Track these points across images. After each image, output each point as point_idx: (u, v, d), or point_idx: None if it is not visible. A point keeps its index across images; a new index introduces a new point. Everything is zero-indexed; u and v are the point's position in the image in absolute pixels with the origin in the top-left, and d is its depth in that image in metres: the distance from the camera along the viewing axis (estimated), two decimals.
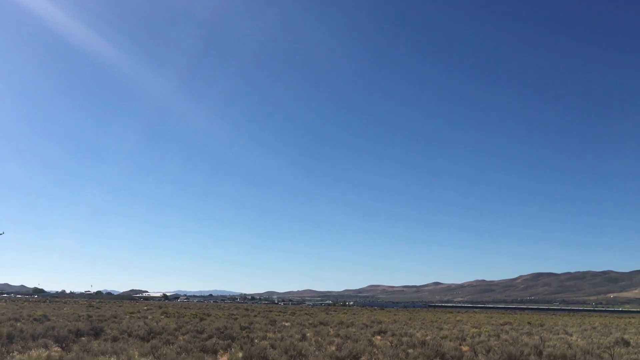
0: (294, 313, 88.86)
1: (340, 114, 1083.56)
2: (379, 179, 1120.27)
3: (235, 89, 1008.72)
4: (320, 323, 54.74)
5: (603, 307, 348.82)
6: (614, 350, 27.51)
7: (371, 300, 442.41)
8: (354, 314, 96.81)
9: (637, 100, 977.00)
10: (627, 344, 34.64)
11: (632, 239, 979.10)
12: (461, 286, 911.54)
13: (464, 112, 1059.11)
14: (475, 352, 27.00)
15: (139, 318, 53.76)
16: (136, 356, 22.22)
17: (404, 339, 34.77)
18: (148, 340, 28.93)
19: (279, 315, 75.76)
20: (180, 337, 32.19)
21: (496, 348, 27.67)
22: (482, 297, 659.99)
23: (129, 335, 32.19)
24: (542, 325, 63.01)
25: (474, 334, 41.81)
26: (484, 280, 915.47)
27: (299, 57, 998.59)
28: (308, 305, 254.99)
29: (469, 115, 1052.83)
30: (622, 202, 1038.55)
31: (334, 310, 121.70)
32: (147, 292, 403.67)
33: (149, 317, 57.16)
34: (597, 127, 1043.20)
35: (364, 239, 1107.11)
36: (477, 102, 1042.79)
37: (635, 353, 26.77)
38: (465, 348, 29.66)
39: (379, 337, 38.39)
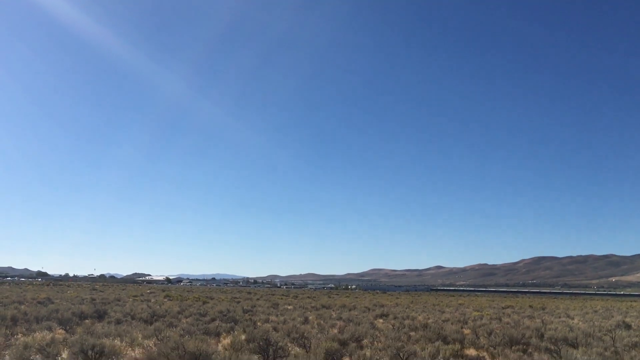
0: (297, 296, 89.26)
1: (343, 100, 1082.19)
2: (381, 163, 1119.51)
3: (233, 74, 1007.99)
4: (323, 306, 54.97)
5: (605, 291, 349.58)
6: (615, 333, 27.58)
7: (373, 284, 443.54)
8: (356, 297, 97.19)
9: (632, 79, 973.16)
10: (628, 327, 34.74)
11: (634, 223, 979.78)
12: (463, 270, 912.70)
13: (466, 96, 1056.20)
14: (477, 335, 27.10)
15: (142, 301, 54.02)
16: (139, 338, 22.33)
17: (406, 322, 34.93)
18: (151, 323, 29.09)
19: (282, 298, 76.07)
20: (183, 320, 32.36)
21: (498, 331, 27.73)
22: (484, 281, 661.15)
23: (133, 318, 32.37)
24: (543, 309, 63.24)
25: (476, 317, 41.95)
26: (486, 264, 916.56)
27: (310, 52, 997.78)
28: (310, 288, 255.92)
29: (470, 99, 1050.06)
30: (623, 186, 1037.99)
31: (336, 294, 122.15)
32: (150, 275, 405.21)
33: (152, 300, 57.43)
34: (597, 110, 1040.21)
35: (366, 223, 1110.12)
36: (478, 86, 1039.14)
37: (637, 336, 26.79)
38: (467, 331, 29.78)
39: (381, 320, 38.55)
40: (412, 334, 26.92)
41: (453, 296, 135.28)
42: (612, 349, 22.10)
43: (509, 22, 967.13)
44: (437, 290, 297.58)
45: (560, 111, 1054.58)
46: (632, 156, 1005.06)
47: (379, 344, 22.92)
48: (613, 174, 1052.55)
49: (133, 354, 18.62)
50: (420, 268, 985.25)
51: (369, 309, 51.12)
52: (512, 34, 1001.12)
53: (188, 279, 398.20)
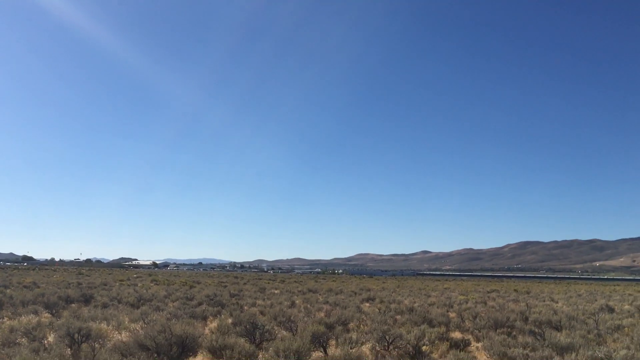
0: (284, 281, 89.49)
1: (326, 88, 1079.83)
2: (367, 148, 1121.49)
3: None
4: (310, 290, 55.15)
5: (589, 275, 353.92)
6: (598, 316, 27.95)
7: (360, 269, 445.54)
8: (342, 281, 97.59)
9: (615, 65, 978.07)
10: (611, 310, 35.17)
11: (618, 208, 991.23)
12: (449, 255, 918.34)
13: (452, 82, 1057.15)
14: (462, 318, 27.35)
15: (128, 285, 53.94)
16: (126, 322, 22.33)
17: (392, 305, 35.11)
18: (138, 307, 29.06)
19: (269, 283, 76.21)
20: (170, 304, 32.36)
21: (483, 314, 28.00)
22: (470, 266, 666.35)
23: (119, 302, 32.33)
24: (528, 293, 63.87)
25: (462, 301, 42.27)
26: (472, 249, 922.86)
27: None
28: (297, 273, 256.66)
29: (456, 86, 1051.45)
30: (608, 172, 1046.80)
31: (323, 279, 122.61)
32: (136, 260, 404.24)
33: (139, 284, 57.35)
34: (580, 96, 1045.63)
35: (353, 208, 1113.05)
36: (464, 72, 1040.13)
37: (619, 319, 27.18)
38: (452, 314, 30.03)
39: (367, 304, 38.74)
40: (398, 317, 27.10)
41: (439, 280, 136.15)
42: (595, 331, 22.39)
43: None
44: (423, 274, 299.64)
45: (545, 98, 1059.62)
46: (615, 143, 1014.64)
47: (365, 327, 23.06)
48: (597, 160, 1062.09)
49: (119, 337, 18.61)
50: (406, 253, 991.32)
51: (355, 293, 51.34)
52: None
53: (175, 263, 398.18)
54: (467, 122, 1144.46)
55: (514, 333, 21.93)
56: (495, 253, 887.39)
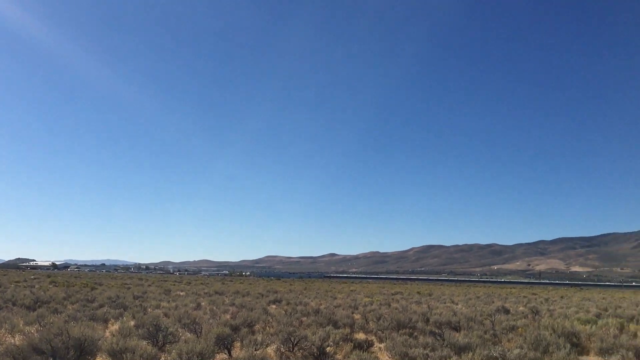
0: (190, 283, 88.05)
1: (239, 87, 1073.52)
2: (276, 151, 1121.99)
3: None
4: (216, 292, 54.53)
5: (487, 278, 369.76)
6: (494, 317, 29.17)
7: (268, 271, 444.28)
8: (250, 284, 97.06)
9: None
10: (507, 311, 36.92)
11: (515, 214, 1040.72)
12: (356, 257, 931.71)
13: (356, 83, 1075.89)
14: (366, 320, 27.84)
15: (25, 287, 51.42)
16: (21, 325, 21.28)
17: (299, 307, 35.28)
18: (34, 310, 27.75)
19: (174, 285, 74.77)
20: (69, 306, 31.13)
21: (386, 316, 28.60)
22: (375, 268, 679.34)
23: (14, 305, 30.76)
24: (430, 295, 65.83)
25: (366, 303, 43.04)
26: (378, 252, 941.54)
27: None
28: (204, 275, 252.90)
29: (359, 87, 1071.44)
30: (506, 180, 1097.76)
31: (230, 280, 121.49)
32: (34, 261, 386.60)
33: (36, 286, 54.81)
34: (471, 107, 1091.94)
35: (261, 210, 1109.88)
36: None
37: (514, 320, 28.50)
38: (357, 316, 30.50)
39: (274, 306, 38.74)
40: (304, 319, 27.24)
41: (345, 283, 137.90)
42: (491, 332, 23.38)
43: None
44: (330, 277, 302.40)
45: (441, 106, 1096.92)
46: (510, 153, 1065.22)
47: (271, 329, 23.05)
48: (497, 168, 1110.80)
49: (13, 340, 17.71)
50: (314, 255, 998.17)
51: (262, 295, 51.19)
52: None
53: (76, 264, 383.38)
54: (371, 126, 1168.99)
55: (416, 334, 22.52)
56: (400, 256, 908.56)
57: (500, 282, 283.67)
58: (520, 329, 24.33)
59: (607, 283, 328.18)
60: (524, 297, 66.49)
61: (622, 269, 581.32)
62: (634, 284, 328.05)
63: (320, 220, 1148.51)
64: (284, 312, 32.18)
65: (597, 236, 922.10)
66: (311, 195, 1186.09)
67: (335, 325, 24.06)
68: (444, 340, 19.07)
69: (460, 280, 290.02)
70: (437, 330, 22.97)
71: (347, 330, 22.17)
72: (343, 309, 35.59)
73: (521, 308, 42.76)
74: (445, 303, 48.65)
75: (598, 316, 33.71)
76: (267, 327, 24.06)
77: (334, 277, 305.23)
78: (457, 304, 47.39)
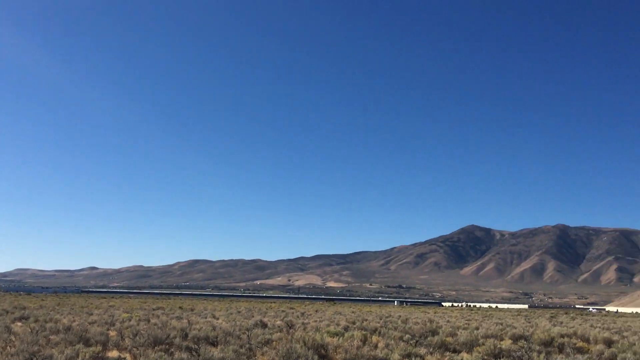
0: None
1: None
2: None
3: None
4: None
5: (250, 293, 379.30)
6: (252, 331, 29.95)
7: (17, 285, 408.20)
8: None
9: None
10: (264, 325, 38.07)
11: (277, 233, 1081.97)
12: (118, 271, 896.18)
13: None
14: (122, 336, 26.86)
15: None
16: None
17: (48, 324, 32.96)
18: None
19: None
20: None
21: (144, 332, 27.85)
22: (139, 283, 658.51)
23: None
24: (192, 310, 65.55)
25: (125, 319, 41.55)
26: (142, 266, 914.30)
27: None
28: None
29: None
30: (268, 200, 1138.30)
31: None
32: None
33: None
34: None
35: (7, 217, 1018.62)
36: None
37: (270, 333, 29.53)
38: (112, 333, 29.31)
39: (19, 324, 35.68)
40: (53, 337, 25.56)
41: (105, 298, 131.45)
42: (247, 345, 23.95)
43: None
44: (88, 292, 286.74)
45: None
46: (329, 166, 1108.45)
47: (12, 348, 21.21)
48: (256, 189, 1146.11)
49: None
50: (72, 269, 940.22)
51: (7, 312, 46.76)
52: None
53: None
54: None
55: (172, 350, 22.27)
56: (165, 270, 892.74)
57: (263, 296, 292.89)
58: (274, 342, 25.28)
59: (358, 297, 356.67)
60: (283, 311, 69.23)
61: (370, 284, 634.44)
62: (380, 298, 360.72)
63: (79, 231, 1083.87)
64: (30, 330, 29.78)
65: (351, 254, 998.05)
66: (64, 204, 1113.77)
67: (87, 343, 22.92)
68: (199, 355, 19.16)
69: (224, 295, 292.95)
70: (194, 346, 22.93)
71: (99, 347, 21.25)
72: (98, 326, 33.96)
73: (278, 322, 44.36)
74: (206, 318, 48.76)
75: (346, 329, 36.23)
76: (8, 347, 22.09)
77: (93, 292, 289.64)
78: (218, 319, 47.77)
